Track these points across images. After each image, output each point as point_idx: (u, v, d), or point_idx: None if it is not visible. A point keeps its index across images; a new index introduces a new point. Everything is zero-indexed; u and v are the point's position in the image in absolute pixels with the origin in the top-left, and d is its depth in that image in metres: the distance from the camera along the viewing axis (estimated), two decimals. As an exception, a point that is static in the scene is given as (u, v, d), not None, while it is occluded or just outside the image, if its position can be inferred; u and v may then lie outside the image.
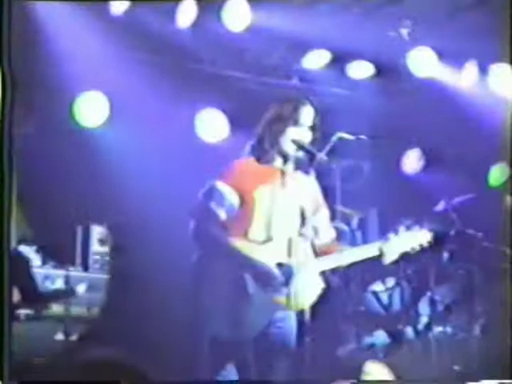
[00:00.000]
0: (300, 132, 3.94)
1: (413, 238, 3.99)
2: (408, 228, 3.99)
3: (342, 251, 3.89)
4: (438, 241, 4.10)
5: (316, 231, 4.05)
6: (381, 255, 3.93)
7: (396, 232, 3.96)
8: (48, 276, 5.51)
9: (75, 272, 5.76)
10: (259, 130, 4.00)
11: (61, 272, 5.66)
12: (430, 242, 4.01)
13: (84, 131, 6.07)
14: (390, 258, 3.95)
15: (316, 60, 6.53)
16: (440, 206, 6.10)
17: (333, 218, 4.13)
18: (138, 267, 5.76)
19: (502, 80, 6.39)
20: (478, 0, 5.71)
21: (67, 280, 5.53)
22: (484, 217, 5.96)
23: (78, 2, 5.44)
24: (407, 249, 3.98)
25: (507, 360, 4.59)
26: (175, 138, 6.12)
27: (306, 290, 3.84)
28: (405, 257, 4.00)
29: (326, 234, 4.10)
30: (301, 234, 3.93)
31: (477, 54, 6.27)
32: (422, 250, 4.01)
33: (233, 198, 3.89)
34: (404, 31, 6.17)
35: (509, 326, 4.94)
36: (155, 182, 5.95)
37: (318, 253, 3.95)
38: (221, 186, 3.90)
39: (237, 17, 5.90)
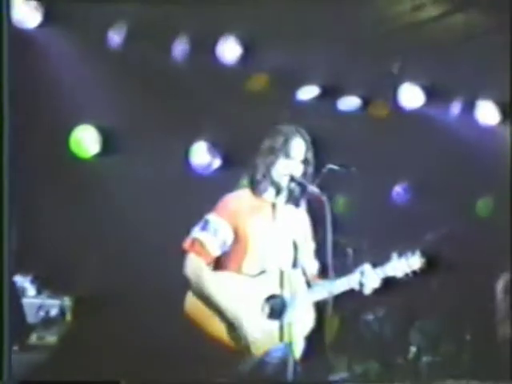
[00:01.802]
0: (291, 164, 3.97)
1: (406, 265, 4.00)
2: (400, 255, 4.02)
3: (330, 282, 3.88)
4: (428, 269, 4.09)
5: (304, 263, 4.06)
6: (361, 286, 3.94)
7: (388, 259, 4.00)
8: (42, 305, 5.48)
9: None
10: (252, 162, 4.03)
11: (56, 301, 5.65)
12: (421, 269, 4.02)
13: (77, 162, 6.11)
14: (369, 288, 3.95)
15: (307, 93, 6.62)
16: (429, 236, 6.14)
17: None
18: (129, 300, 5.78)
19: (488, 114, 6.47)
20: (467, 36, 5.78)
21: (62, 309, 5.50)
22: (472, 246, 5.97)
23: (74, 31, 5.51)
24: (400, 275, 3.99)
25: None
26: (168, 170, 6.17)
27: (300, 321, 3.87)
28: (395, 285, 4.01)
29: (310, 267, 4.11)
30: (294, 265, 3.95)
31: (464, 88, 6.35)
32: (415, 276, 4.00)
33: (227, 231, 3.90)
34: (394, 66, 6.25)
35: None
36: (147, 214, 5.96)
37: (310, 283, 3.97)
38: (215, 219, 3.92)
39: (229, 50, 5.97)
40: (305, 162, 4.00)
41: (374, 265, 4.00)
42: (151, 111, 5.97)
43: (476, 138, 6.42)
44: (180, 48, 5.98)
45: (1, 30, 3.81)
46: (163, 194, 6.02)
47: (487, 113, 6.58)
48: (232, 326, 3.79)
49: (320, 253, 4.07)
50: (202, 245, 3.86)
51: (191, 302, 3.88)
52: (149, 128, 6.01)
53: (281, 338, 3.80)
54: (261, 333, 3.79)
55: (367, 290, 3.96)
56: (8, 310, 3.74)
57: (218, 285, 3.83)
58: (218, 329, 3.81)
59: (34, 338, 5.31)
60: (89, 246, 6.01)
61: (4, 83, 3.78)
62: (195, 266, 3.85)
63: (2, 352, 3.67)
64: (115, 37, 5.78)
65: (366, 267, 3.99)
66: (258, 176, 3.97)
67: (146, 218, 5.93)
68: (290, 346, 3.81)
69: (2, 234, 3.76)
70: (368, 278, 3.95)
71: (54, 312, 5.49)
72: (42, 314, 5.45)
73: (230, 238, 3.90)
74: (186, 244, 3.90)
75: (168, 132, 6.04)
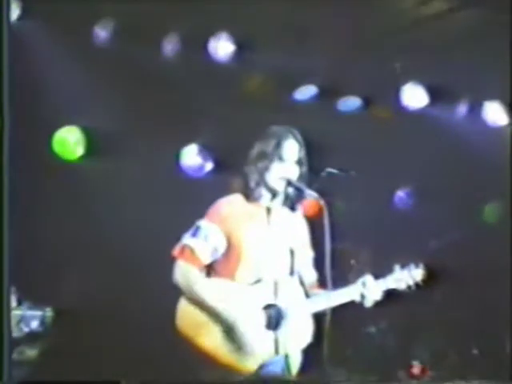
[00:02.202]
0: (286, 167, 3.87)
1: (408, 277, 3.92)
2: (403, 266, 3.93)
3: (329, 292, 3.79)
4: (432, 280, 4.03)
5: (301, 272, 3.97)
6: (362, 298, 3.88)
7: (390, 270, 3.92)
8: (23, 318, 5.28)
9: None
10: (245, 167, 3.93)
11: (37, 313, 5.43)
12: (425, 281, 3.94)
13: (63, 165, 5.98)
14: (370, 300, 3.88)
15: (305, 94, 6.47)
16: (432, 244, 6.04)
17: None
18: (116, 310, 5.67)
19: (496, 115, 6.37)
20: (474, 34, 5.68)
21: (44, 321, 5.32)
22: (478, 254, 5.83)
23: (57, 26, 5.39)
24: (403, 287, 3.91)
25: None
26: (157, 173, 6.06)
27: (298, 332, 3.79)
28: (398, 296, 3.93)
29: (308, 276, 4.01)
30: (291, 274, 3.86)
31: (470, 89, 6.24)
32: (418, 288, 3.93)
33: (219, 237, 3.80)
34: (397, 65, 6.14)
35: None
36: (135, 220, 5.85)
37: (308, 293, 3.90)
38: (206, 225, 3.81)
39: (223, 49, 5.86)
40: (299, 162, 3.91)
41: (376, 275, 3.92)
42: (140, 112, 5.87)
43: (483, 140, 6.26)
44: (171, 47, 5.85)
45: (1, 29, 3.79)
46: (152, 198, 5.90)
47: (495, 114, 6.46)
48: (228, 329, 3.71)
49: (318, 261, 3.96)
50: (192, 251, 3.76)
51: (183, 312, 3.79)
52: (138, 129, 5.92)
53: (277, 351, 3.73)
54: (256, 343, 3.71)
55: (368, 303, 3.88)
56: (7, 310, 3.73)
57: (211, 290, 3.75)
58: (212, 339, 3.72)
59: (13, 354, 5.05)
60: (73, 253, 5.88)
61: (4, 83, 3.76)
62: (185, 273, 3.75)
63: (1, 352, 3.63)
64: (102, 34, 5.64)
65: (368, 278, 3.89)
66: (252, 184, 3.87)
67: (134, 223, 5.82)
68: (286, 359, 3.76)
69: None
70: (370, 289, 3.87)
71: (34, 324, 5.28)
72: (22, 327, 5.24)
73: (222, 245, 3.80)
74: (176, 251, 3.81)
75: (158, 134, 5.92)
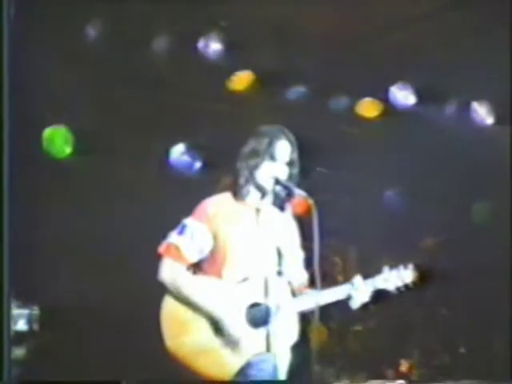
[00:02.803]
0: (276, 167, 3.85)
1: (397, 278, 3.88)
2: (392, 267, 3.89)
3: (314, 293, 3.74)
4: (422, 280, 3.97)
5: (290, 272, 3.92)
6: (349, 298, 3.83)
7: (379, 270, 3.88)
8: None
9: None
10: (235, 164, 3.90)
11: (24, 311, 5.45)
12: (414, 282, 3.90)
13: (53, 163, 5.99)
14: (357, 302, 3.84)
15: (295, 94, 6.48)
16: (422, 244, 5.98)
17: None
18: (103, 308, 5.68)
19: (485, 115, 6.39)
20: (463, 34, 5.72)
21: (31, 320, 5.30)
22: (468, 254, 5.83)
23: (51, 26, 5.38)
24: (391, 288, 3.87)
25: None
26: (146, 172, 6.06)
27: (285, 330, 3.76)
28: (387, 296, 3.90)
29: (298, 277, 3.96)
30: (278, 273, 3.82)
31: (459, 88, 6.25)
32: (407, 289, 3.89)
33: (205, 236, 3.77)
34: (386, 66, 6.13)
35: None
36: (123, 218, 5.84)
37: (295, 292, 3.86)
38: (192, 223, 3.78)
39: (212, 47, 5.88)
40: (290, 163, 3.89)
41: (364, 276, 3.88)
42: (130, 110, 5.90)
43: (472, 140, 6.25)
44: (161, 46, 5.86)
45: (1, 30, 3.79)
46: (140, 197, 5.90)
47: (484, 114, 6.43)
48: (215, 325, 3.69)
49: (306, 260, 3.95)
50: (177, 249, 3.74)
51: (167, 310, 3.76)
52: (127, 128, 5.92)
53: (268, 348, 3.70)
54: (243, 340, 3.68)
55: (355, 305, 3.85)
56: (7, 310, 3.77)
57: (197, 287, 3.73)
58: (197, 337, 3.70)
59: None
60: (61, 252, 5.87)
61: (4, 83, 3.80)
62: (171, 271, 3.73)
63: (1, 352, 3.66)
64: (91, 33, 5.67)
65: (357, 279, 3.86)
66: (241, 180, 3.85)
67: (122, 222, 5.81)
68: (274, 357, 3.72)
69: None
70: (358, 290, 3.83)
71: (21, 323, 5.24)
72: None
73: (208, 244, 3.77)
74: (162, 248, 3.79)
75: (147, 132, 5.94)
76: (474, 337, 5.81)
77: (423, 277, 3.93)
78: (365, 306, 3.85)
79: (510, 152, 5.84)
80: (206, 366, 3.65)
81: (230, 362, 3.68)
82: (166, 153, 6.38)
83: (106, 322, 5.63)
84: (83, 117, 5.82)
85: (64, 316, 5.66)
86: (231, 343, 3.68)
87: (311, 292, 3.80)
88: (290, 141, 3.89)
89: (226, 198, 3.88)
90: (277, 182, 3.83)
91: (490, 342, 5.73)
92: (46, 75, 5.56)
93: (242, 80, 6.34)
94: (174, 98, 6.07)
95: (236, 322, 3.70)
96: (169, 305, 3.75)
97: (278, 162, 3.85)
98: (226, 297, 3.71)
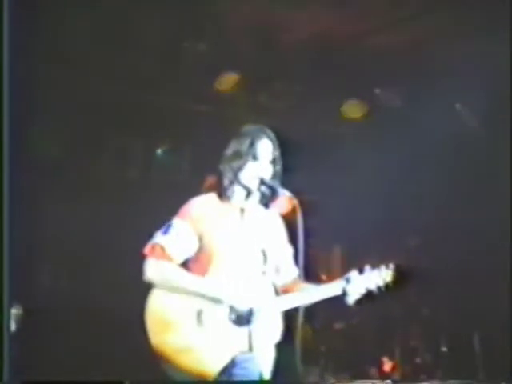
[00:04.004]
0: (260, 166, 3.87)
1: (378, 277, 3.90)
2: (374, 266, 3.90)
3: (304, 290, 3.80)
4: (404, 279, 3.99)
5: (278, 270, 3.95)
6: (344, 294, 3.84)
7: (361, 271, 3.88)
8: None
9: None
10: (219, 166, 3.92)
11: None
12: (395, 281, 3.91)
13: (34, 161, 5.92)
14: (353, 297, 3.85)
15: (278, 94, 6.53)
16: (407, 243, 6.00)
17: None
18: (86, 309, 5.68)
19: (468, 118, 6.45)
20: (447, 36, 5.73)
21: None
22: (451, 253, 5.86)
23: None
24: (372, 287, 3.88)
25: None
26: (132, 172, 6.10)
27: (268, 329, 3.76)
28: (370, 295, 3.89)
29: (289, 272, 3.99)
30: (263, 273, 3.83)
31: (444, 91, 6.26)
32: (388, 288, 3.90)
33: (190, 236, 3.78)
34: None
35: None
36: (107, 219, 5.86)
37: (278, 292, 3.86)
38: (178, 223, 3.79)
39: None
40: (273, 161, 3.91)
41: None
42: (114, 111, 5.91)
43: (455, 142, 6.30)
44: (144, 46, 5.84)
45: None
46: (125, 197, 5.91)
47: (467, 116, 6.48)
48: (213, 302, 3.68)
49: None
50: (162, 249, 3.74)
51: (153, 306, 3.76)
52: (112, 128, 5.97)
53: (251, 348, 3.70)
54: (226, 338, 3.69)
55: (351, 300, 3.84)
56: (7, 309, 3.73)
57: (187, 275, 3.74)
58: (180, 335, 3.69)
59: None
60: (44, 251, 5.90)
61: (4, 83, 3.77)
62: (158, 269, 3.73)
63: (2, 352, 3.63)
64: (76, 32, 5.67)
65: (353, 274, 3.87)
66: (225, 182, 3.86)
67: (107, 222, 5.84)
68: (258, 356, 3.72)
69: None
70: (354, 285, 3.85)
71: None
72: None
73: (194, 244, 3.78)
74: (146, 249, 3.78)
75: (131, 132, 5.99)
76: (456, 336, 5.83)
77: (405, 276, 3.93)
78: (358, 303, 3.84)
79: (510, 152, 5.88)
80: (189, 363, 3.65)
81: (213, 361, 3.67)
82: (151, 152, 6.40)
83: (90, 321, 5.64)
84: (71, 117, 5.85)
85: (46, 315, 5.64)
86: (241, 318, 3.70)
87: (304, 287, 3.82)
88: (270, 139, 3.91)
89: (211, 198, 3.89)
90: (262, 182, 3.85)
91: (470, 340, 5.76)
92: (40, 75, 5.60)
93: (227, 80, 6.35)
94: (160, 97, 6.12)
95: (219, 323, 3.69)
96: (153, 303, 3.75)
97: (260, 161, 3.87)
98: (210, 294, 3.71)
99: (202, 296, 3.70)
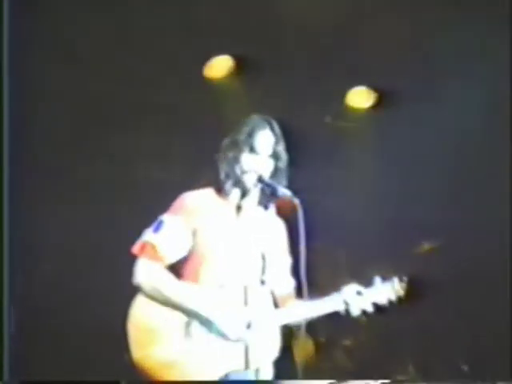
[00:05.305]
0: (257, 160, 3.75)
1: (389, 291, 3.78)
2: (384, 278, 3.79)
3: (302, 304, 3.63)
4: (417, 291, 3.93)
5: (275, 280, 3.84)
6: (348, 308, 3.75)
7: (370, 283, 3.77)
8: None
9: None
10: (215, 157, 3.83)
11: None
12: (407, 294, 3.81)
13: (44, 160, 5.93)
14: (357, 310, 3.74)
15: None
16: (419, 248, 5.85)
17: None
18: (76, 311, 5.61)
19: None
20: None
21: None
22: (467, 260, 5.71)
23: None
24: (382, 301, 3.76)
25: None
26: (122, 167, 5.94)
27: (265, 345, 3.65)
28: (377, 309, 3.80)
29: (285, 284, 3.90)
30: (261, 281, 3.72)
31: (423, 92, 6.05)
32: (400, 303, 3.81)
33: (184, 233, 3.66)
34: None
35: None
36: (96, 217, 5.76)
37: (278, 304, 3.79)
38: (170, 219, 3.68)
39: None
40: (274, 156, 3.79)
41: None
42: (105, 107, 5.81)
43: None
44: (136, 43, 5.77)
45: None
46: (128, 197, 5.79)
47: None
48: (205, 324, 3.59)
49: (293, 268, 3.88)
50: (153, 248, 3.63)
51: (136, 317, 3.64)
52: (103, 123, 5.82)
53: (247, 365, 3.56)
54: (220, 352, 3.58)
55: (356, 311, 3.73)
56: (8, 309, 3.90)
57: (179, 287, 3.61)
58: (168, 346, 3.56)
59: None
60: (42, 252, 5.78)
61: (4, 83, 3.95)
62: (148, 271, 3.61)
63: (2, 352, 3.77)
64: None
65: (353, 287, 3.77)
66: (222, 175, 3.76)
67: (95, 221, 5.74)
68: (256, 373, 3.60)
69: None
70: (359, 299, 3.73)
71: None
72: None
73: (187, 241, 3.68)
74: (136, 248, 3.69)
75: (119, 126, 5.83)
76: (476, 352, 5.55)
77: (418, 288, 3.89)
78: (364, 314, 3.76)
79: (510, 152, 5.72)
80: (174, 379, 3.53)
81: (201, 378, 3.53)
82: (151, 152, 6.20)
83: (90, 321, 5.53)
84: (71, 117, 5.81)
85: (40, 317, 5.60)
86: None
87: (298, 303, 3.69)
88: (273, 131, 3.79)
89: (207, 193, 3.79)
90: (259, 179, 3.72)
91: (492, 357, 5.47)
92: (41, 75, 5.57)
93: (220, 66, 6.11)
94: (147, 88, 5.90)
95: (230, 321, 3.56)
96: (136, 310, 3.63)
97: (259, 154, 3.74)
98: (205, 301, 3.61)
99: (194, 314, 3.60)
